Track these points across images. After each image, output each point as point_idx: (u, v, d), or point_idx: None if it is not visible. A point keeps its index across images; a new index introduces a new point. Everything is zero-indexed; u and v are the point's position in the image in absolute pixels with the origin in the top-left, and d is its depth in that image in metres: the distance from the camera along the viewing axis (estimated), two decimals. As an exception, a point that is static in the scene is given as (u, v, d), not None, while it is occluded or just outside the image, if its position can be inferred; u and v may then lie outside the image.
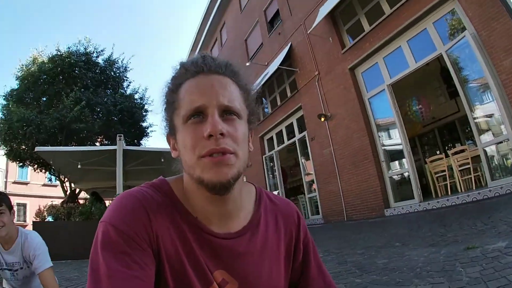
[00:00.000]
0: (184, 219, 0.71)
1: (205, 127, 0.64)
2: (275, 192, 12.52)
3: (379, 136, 7.91)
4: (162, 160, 8.26)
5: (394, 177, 7.62)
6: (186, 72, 0.71)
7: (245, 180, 0.83)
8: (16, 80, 13.45)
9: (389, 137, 7.93)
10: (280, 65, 11.07)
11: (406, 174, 7.27)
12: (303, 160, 11.24)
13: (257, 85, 12.33)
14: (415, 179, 6.88)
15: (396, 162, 7.78)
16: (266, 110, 14.04)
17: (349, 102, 8.60)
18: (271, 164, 13.26)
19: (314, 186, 10.24)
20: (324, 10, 8.50)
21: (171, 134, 0.74)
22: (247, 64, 13.63)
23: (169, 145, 0.77)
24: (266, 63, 12.77)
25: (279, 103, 12.58)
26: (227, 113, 0.67)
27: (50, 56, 13.59)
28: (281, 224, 0.83)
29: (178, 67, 0.74)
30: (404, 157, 7.19)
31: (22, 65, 13.58)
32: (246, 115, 0.73)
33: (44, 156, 9.69)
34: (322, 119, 9.47)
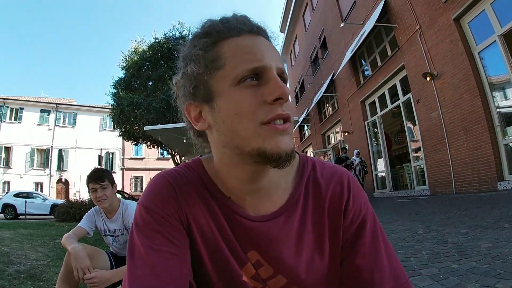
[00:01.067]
0: (215, 199, 0.68)
1: (269, 90, 0.57)
2: (380, 161, 11.89)
3: (493, 97, 6.72)
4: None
5: (510, 144, 6.45)
6: (228, 30, 0.61)
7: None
8: (121, 70, 15.52)
9: (505, 97, 6.66)
10: (376, 22, 10.11)
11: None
12: (408, 125, 10.32)
13: (355, 46, 11.58)
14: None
15: (513, 127, 6.54)
16: (366, 72, 13.16)
17: (456, 57, 7.42)
18: (374, 130, 12.51)
19: (420, 153, 9.36)
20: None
21: (205, 100, 0.63)
22: (341, 25, 12.84)
23: (189, 116, 0.67)
24: (362, 22, 11.81)
25: (379, 64, 11.60)
26: (282, 78, 0.61)
27: (149, 44, 15.10)
28: (327, 199, 0.70)
29: (210, 23, 0.64)
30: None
31: (125, 56, 15.46)
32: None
33: (152, 134, 10.94)
34: (428, 79, 8.42)
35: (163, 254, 0.60)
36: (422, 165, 9.34)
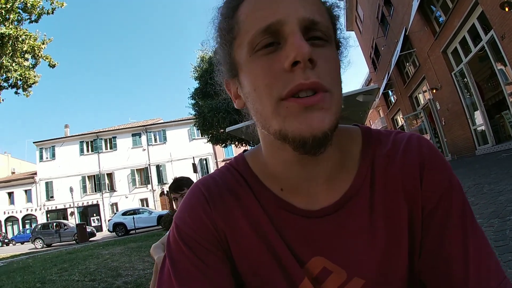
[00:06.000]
0: (262, 199, 0.59)
1: (285, 53, 0.47)
2: (476, 113, 10.44)
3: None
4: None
5: None
6: None
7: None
8: (195, 80, 16.23)
9: None
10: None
11: None
12: (499, 67, 8.82)
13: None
14: None
15: None
16: (440, 19, 11.64)
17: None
18: (464, 80, 10.98)
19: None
20: None
21: (233, 75, 0.56)
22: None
23: (230, 94, 0.61)
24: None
25: (450, 6, 10.14)
26: (313, 33, 0.49)
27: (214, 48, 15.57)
28: (400, 179, 0.57)
29: None
30: None
31: (195, 66, 16.15)
32: (333, 39, 0.54)
33: (235, 133, 11.29)
34: (507, 9, 7.13)
35: (191, 281, 0.54)
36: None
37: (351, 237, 0.56)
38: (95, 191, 31.99)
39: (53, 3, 9.23)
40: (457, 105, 11.29)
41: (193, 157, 24.60)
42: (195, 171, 19.27)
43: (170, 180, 31.43)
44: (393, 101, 21.45)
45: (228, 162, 0.65)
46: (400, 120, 21.26)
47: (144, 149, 32.87)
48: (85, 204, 31.37)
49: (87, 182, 32.07)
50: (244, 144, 16.40)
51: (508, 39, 7.62)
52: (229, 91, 0.60)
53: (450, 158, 12.83)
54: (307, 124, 0.45)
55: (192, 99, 16.32)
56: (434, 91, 13.09)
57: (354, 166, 0.59)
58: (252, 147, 0.67)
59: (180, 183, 2.40)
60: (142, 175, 32.54)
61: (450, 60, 11.53)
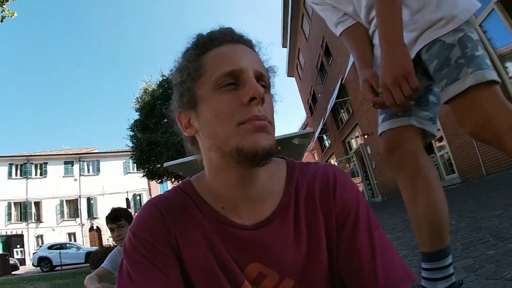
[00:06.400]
0: (207, 215, 0.68)
1: (244, 91, 0.61)
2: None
3: (505, 68, 6.34)
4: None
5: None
6: (211, 41, 0.67)
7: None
8: (136, 112, 15.81)
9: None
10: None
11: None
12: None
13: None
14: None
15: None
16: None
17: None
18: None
19: (444, 142, 8.93)
20: None
21: (191, 107, 0.66)
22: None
23: (179, 123, 0.71)
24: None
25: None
26: (260, 82, 0.64)
27: (158, 82, 15.37)
28: (316, 195, 0.71)
29: (197, 38, 0.69)
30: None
31: (137, 98, 15.90)
32: (270, 90, 0.71)
33: (173, 169, 10.98)
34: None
35: (151, 281, 0.61)
36: (447, 153, 8.90)
37: (280, 246, 0.67)
38: (21, 220, 28.07)
39: (3, 11, 8.64)
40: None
41: (127, 192, 23.37)
42: (128, 206, 18.13)
43: (100, 215, 29.18)
44: (328, 145, 22.73)
45: (175, 186, 0.76)
46: (334, 163, 22.44)
47: (76, 179, 30.20)
48: (8, 233, 27.31)
49: (13, 209, 28.11)
50: (180, 181, 15.97)
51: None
52: (180, 121, 0.70)
53: (381, 199, 13.72)
54: (258, 141, 0.59)
55: (131, 130, 15.74)
56: (366, 136, 14.16)
57: (281, 190, 0.72)
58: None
59: (118, 214, 2.40)
60: (72, 207, 29.64)
61: (382, 108, 12.67)
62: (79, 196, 29.77)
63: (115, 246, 10.64)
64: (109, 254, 2.54)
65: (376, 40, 1.34)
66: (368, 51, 1.37)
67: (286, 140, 9.02)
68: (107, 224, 2.39)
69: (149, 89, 15.81)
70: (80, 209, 29.47)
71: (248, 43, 0.69)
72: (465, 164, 7.96)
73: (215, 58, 0.64)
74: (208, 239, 0.66)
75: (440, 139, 9.34)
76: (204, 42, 0.67)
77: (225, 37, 0.66)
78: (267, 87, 0.66)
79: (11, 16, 8.80)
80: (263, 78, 0.65)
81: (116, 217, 2.37)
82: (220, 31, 0.68)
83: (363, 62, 1.33)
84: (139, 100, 15.78)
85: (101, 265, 2.45)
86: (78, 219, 29.17)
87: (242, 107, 0.60)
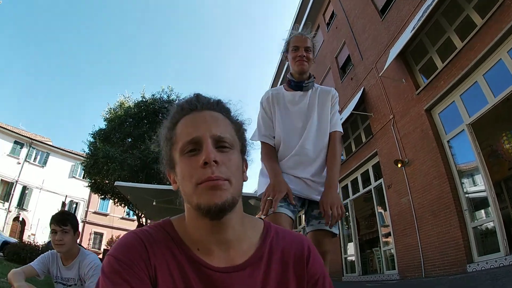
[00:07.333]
0: (183, 254, 0.74)
1: (200, 157, 0.71)
2: (350, 245, 11.76)
3: (461, 183, 7.06)
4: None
5: (478, 227, 6.60)
6: (182, 110, 0.80)
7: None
8: (104, 121, 15.43)
9: (473, 183, 7.00)
10: (353, 110, 10.87)
11: (491, 224, 6.25)
12: (379, 210, 10.45)
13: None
14: (500, 230, 5.87)
15: (482, 211, 6.75)
16: (341, 157, 13.61)
17: (427, 146, 7.93)
18: (346, 213, 12.56)
19: (390, 238, 9.35)
20: (394, 51, 8.29)
21: (171, 167, 0.80)
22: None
23: (170, 180, 0.83)
24: (340, 109, 12.57)
25: (353, 150, 12.16)
26: (220, 144, 0.74)
27: (136, 101, 15.36)
28: (290, 261, 0.80)
29: (176, 107, 0.82)
30: (489, 205, 6.23)
31: (110, 108, 15.59)
32: (238, 145, 0.81)
33: (122, 191, 10.51)
34: (399, 165, 8.80)
35: None
36: (392, 250, 9.25)
37: None
38: None
39: None
40: (334, 233, 12.54)
41: (66, 196, 21.59)
42: (61, 211, 16.79)
43: (31, 208, 26.44)
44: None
45: (155, 222, 0.83)
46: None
47: (19, 163, 27.15)
48: None
49: None
50: (123, 205, 15.20)
51: (393, 189, 9.29)
52: (170, 177, 0.84)
53: (398, 276, 13.61)
54: (211, 198, 0.69)
55: (92, 137, 15.17)
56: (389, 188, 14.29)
57: (254, 243, 0.81)
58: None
59: (66, 218, 2.30)
60: (4, 189, 26.02)
61: (339, 193, 13.17)
62: (16, 181, 26.48)
63: (43, 250, 9.74)
64: (41, 255, 2.38)
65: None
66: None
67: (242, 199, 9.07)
68: (50, 224, 2.24)
69: (125, 104, 15.58)
70: (13, 194, 25.98)
71: (212, 107, 0.80)
72: (407, 263, 8.30)
73: (182, 127, 0.77)
74: (184, 276, 0.71)
75: (387, 235, 9.80)
76: (177, 113, 0.80)
77: (192, 106, 0.79)
78: (229, 146, 0.76)
79: None
80: (222, 139, 0.75)
81: (64, 220, 2.24)
82: (188, 100, 0.81)
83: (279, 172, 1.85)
84: (112, 111, 15.43)
85: (30, 263, 2.30)
86: (6, 204, 25.80)
87: (199, 170, 0.70)
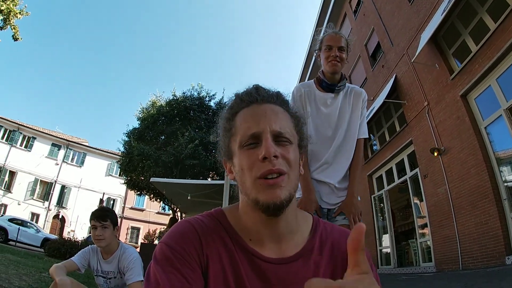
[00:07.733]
0: (235, 244, 0.76)
1: (260, 151, 0.72)
2: (385, 236, 11.52)
3: (500, 171, 6.68)
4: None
5: (518, 218, 6.22)
6: (241, 102, 0.81)
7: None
8: (137, 120, 15.88)
9: (512, 171, 6.62)
10: (386, 98, 10.55)
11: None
12: (415, 201, 10.13)
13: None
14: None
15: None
16: (374, 147, 13.33)
17: (463, 133, 7.57)
18: (381, 204, 12.29)
19: (427, 230, 9.06)
20: (426, 35, 7.92)
21: (228, 158, 0.82)
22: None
23: (226, 169, 0.85)
24: (372, 98, 12.28)
25: (387, 139, 11.80)
26: (279, 138, 0.75)
27: (167, 100, 15.69)
28: (338, 254, 0.80)
29: (234, 97, 0.84)
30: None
31: (143, 107, 15.98)
32: (296, 140, 0.80)
33: (158, 186, 10.85)
34: (435, 154, 8.47)
35: None
36: (428, 241, 8.96)
37: (298, 285, 0.71)
38: (-10, 183, 26.66)
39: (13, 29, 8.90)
40: (369, 225, 12.33)
41: (104, 193, 22.70)
42: (99, 207, 17.62)
43: (69, 206, 28.23)
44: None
45: (205, 212, 0.84)
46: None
47: (58, 164, 29.03)
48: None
49: (-13, 169, 26.73)
50: (158, 200, 15.68)
51: (429, 179, 8.94)
52: (226, 166, 0.85)
53: (435, 268, 13.42)
54: (270, 196, 0.70)
55: (127, 136, 15.73)
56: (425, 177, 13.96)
57: (305, 236, 0.81)
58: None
59: (106, 214, 2.37)
60: (44, 189, 28.02)
61: (373, 184, 12.91)
62: (55, 181, 28.47)
63: (82, 246, 10.27)
64: (82, 250, 2.47)
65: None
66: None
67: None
68: (91, 220, 2.33)
69: (157, 103, 15.96)
70: (52, 193, 28.07)
71: (272, 100, 0.81)
72: (444, 255, 8.02)
73: (241, 121, 0.78)
74: (235, 265, 0.73)
75: (423, 227, 9.49)
76: (236, 104, 0.82)
77: (251, 98, 0.80)
78: (288, 141, 0.76)
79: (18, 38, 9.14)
80: (282, 135, 0.75)
81: (103, 216, 2.33)
82: (248, 92, 0.81)
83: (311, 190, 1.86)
84: (144, 110, 15.87)
85: (71, 258, 2.38)
86: (46, 203, 27.70)
87: (258, 163, 0.71)
